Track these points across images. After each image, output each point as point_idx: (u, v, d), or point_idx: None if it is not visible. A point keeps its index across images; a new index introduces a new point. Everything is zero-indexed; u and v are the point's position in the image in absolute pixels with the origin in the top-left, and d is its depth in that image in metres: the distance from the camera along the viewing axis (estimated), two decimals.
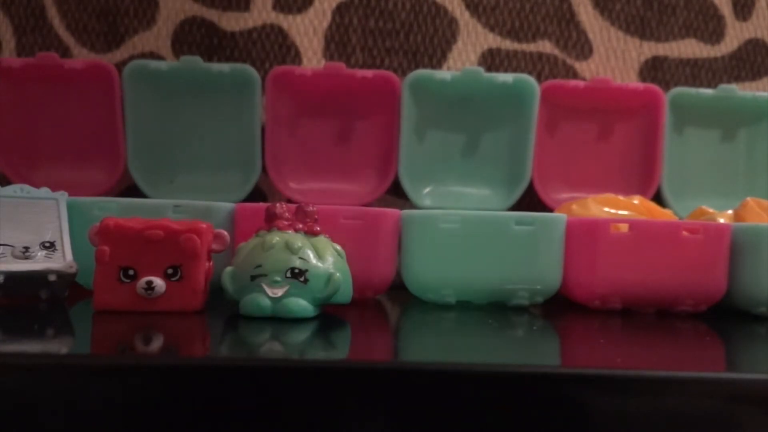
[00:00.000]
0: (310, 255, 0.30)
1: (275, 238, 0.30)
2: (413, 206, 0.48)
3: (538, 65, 0.54)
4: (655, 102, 0.49)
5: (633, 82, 0.54)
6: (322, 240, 0.31)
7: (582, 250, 0.37)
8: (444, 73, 0.47)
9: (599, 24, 0.54)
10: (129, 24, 0.52)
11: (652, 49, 0.55)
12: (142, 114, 0.47)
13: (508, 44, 0.54)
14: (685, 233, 0.36)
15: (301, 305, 0.29)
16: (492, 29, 0.53)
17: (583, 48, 0.54)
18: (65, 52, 0.52)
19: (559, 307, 0.38)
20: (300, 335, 0.26)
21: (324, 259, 0.30)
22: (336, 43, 0.53)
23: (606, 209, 0.43)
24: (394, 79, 0.47)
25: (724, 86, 0.50)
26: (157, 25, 0.52)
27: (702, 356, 0.28)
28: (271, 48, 0.53)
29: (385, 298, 0.40)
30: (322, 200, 0.47)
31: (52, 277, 0.32)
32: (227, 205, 0.39)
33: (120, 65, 0.49)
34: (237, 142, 0.48)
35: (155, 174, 0.49)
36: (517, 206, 0.49)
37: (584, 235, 0.37)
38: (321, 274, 0.30)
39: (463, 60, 0.53)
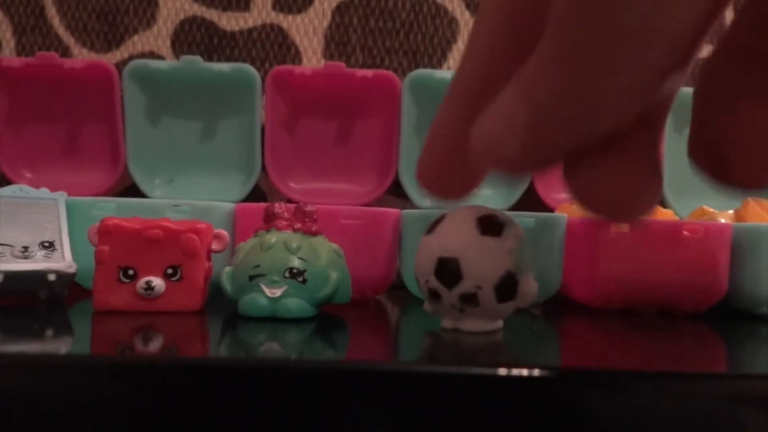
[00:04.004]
0: (309, 255, 0.30)
1: (273, 238, 0.30)
2: (413, 206, 0.48)
3: None
4: None
5: None
6: (321, 240, 0.31)
7: (582, 250, 0.37)
8: (444, 73, 0.47)
9: None
10: (129, 24, 0.52)
11: None
12: (142, 114, 0.47)
13: None
14: (685, 233, 0.36)
15: (300, 305, 0.29)
16: None
17: None
18: (65, 52, 0.52)
19: (559, 307, 0.38)
20: (299, 335, 0.26)
21: (322, 259, 0.30)
22: (336, 42, 0.53)
23: None
24: (394, 79, 0.47)
25: None
26: (157, 25, 0.52)
27: (703, 356, 0.28)
28: (271, 48, 0.53)
29: (385, 298, 0.40)
30: (322, 200, 0.47)
31: (51, 277, 0.32)
32: (227, 205, 0.39)
33: (120, 65, 0.49)
34: (237, 142, 0.48)
35: (155, 174, 0.49)
36: (517, 206, 0.49)
37: (584, 235, 0.37)
38: (319, 274, 0.30)
39: None
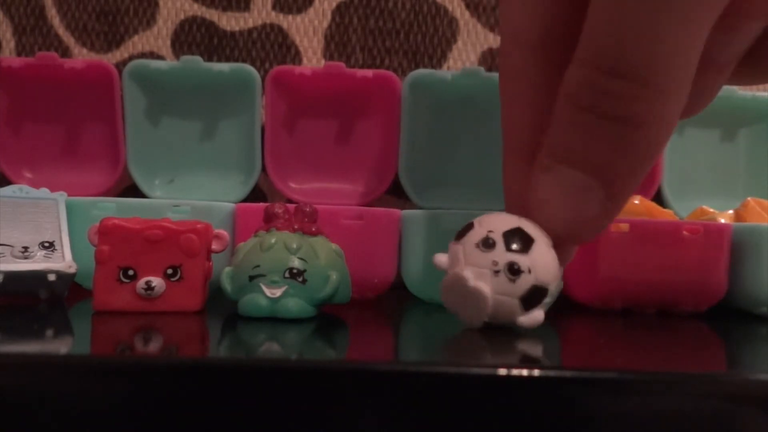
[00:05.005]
0: (309, 255, 0.30)
1: (273, 238, 0.30)
2: (413, 206, 0.48)
3: None
4: None
5: None
6: (321, 240, 0.31)
7: (582, 250, 0.37)
8: (444, 73, 0.47)
9: None
10: (129, 24, 0.52)
11: None
12: (142, 114, 0.47)
13: None
14: (685, 233, 0.36)
15: (300, 305, 0.29)
16: (492, 29, 0.53)
17: None
18: (65, 52, 0.52)
19: (559, 307, 0.38)
20: (299, 335, 0.26)
21: (322, 259, 0.30)
22: (336, 42, 0.53)
23: None
24: (394, 79, 0.47)
25: (724, 86, 0.50)
26: (157, 25, 0.52)
27: (702, 356, 0.28)
28: (271, 48, 0.53)
29: (385, 298, 0.40)
30: (322, 200, 0.47)
31: (51, 277, 0.32)
32: (227, 205, 0.39)
33: (120, 65, 0.49)
34: (237, 142, 0.48)
35: (155, 174, 0.49)
36: None
37: None
38: (319, 274, 0.30)
39: (463, 60, 0.53)
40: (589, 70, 0.18)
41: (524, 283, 0.26)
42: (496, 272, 0.26)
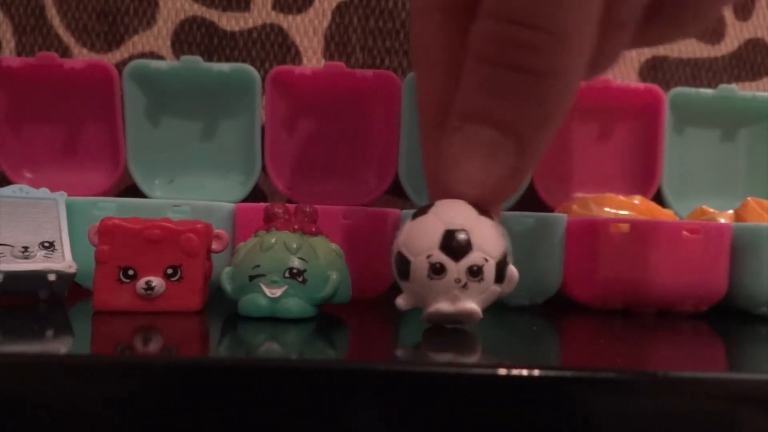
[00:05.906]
0: (309, 255, 0.30)
1: (273, 238, 0.30)
2: (413, 206, 0.48)
3: None
4: (655, 102, 0.49)
5: (633, 82, 0.54)
6: (321, 240, 0.31)
7: (582, 250, 0.37)
8: None
9: None
10: (129, 24, 0.52)
11: (652, 49, 0.55)
12: (142, 114, 0.47)
13: None
14: (685, 233, 0.36)
15: (300, 305, 0.29)
16: None
17: None
18: (65, 52, 0.52)
19: (559, 307, 0.38)
20: (299, 335, 0.26)
21: (322, 259, 0.30)
22: (336, 42, 0.53)
23: (606, 209, 0.43)
24: (395, 79, 0.47)
25: (724, 86, 0.50)
26: (157, 25, 0.52)
27: (702, 356, 0.28)
28: (271, 48, 0.53)
29: (385, 298, 0.40)
30: (322, 200, 0.47)
31: (51, 277, 0.32)
32: (227, 205, 0.39)
33: (120, 65, 0.49)
34: (237, 142, 0.48)
35: (155, 174, 0.49)
36: (517, 206, 0.49)
37: (584, 235, 0.37)
38: (319, 274, 0.30)
39: None
40: (494, 21, 0.18)
41: (489, 271, 0.26)
42: (464, 286, 0.26)
